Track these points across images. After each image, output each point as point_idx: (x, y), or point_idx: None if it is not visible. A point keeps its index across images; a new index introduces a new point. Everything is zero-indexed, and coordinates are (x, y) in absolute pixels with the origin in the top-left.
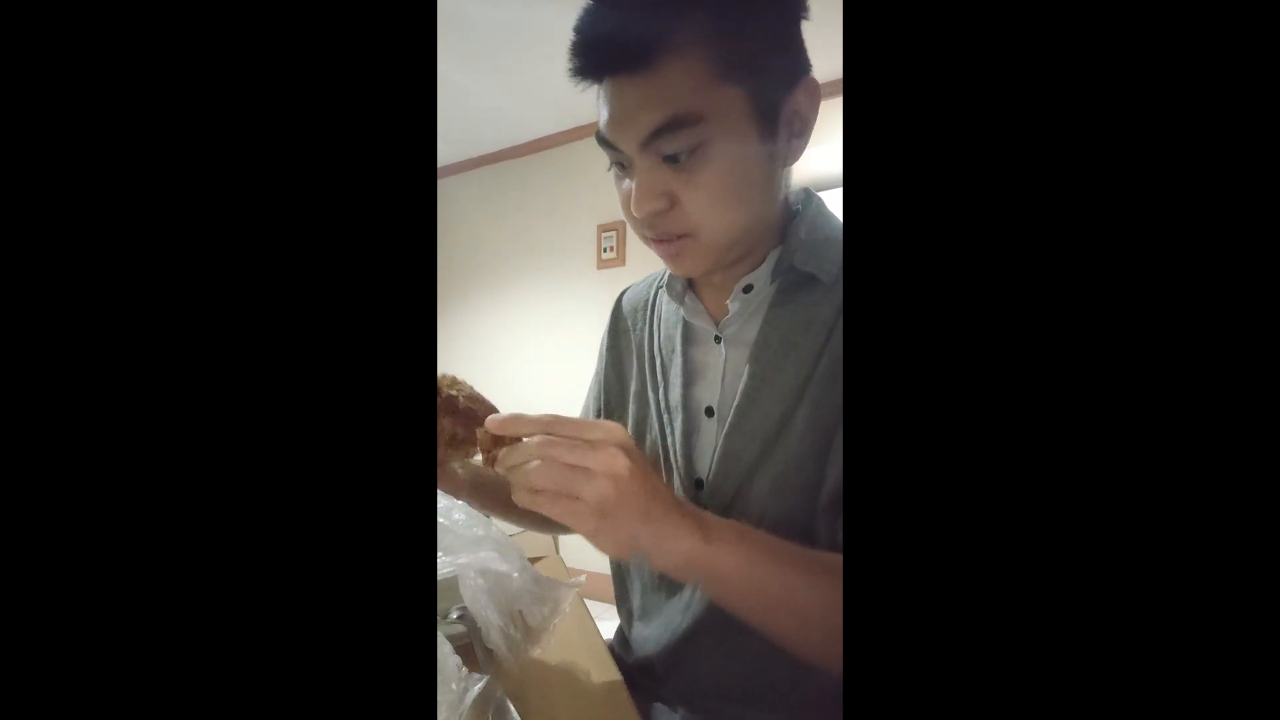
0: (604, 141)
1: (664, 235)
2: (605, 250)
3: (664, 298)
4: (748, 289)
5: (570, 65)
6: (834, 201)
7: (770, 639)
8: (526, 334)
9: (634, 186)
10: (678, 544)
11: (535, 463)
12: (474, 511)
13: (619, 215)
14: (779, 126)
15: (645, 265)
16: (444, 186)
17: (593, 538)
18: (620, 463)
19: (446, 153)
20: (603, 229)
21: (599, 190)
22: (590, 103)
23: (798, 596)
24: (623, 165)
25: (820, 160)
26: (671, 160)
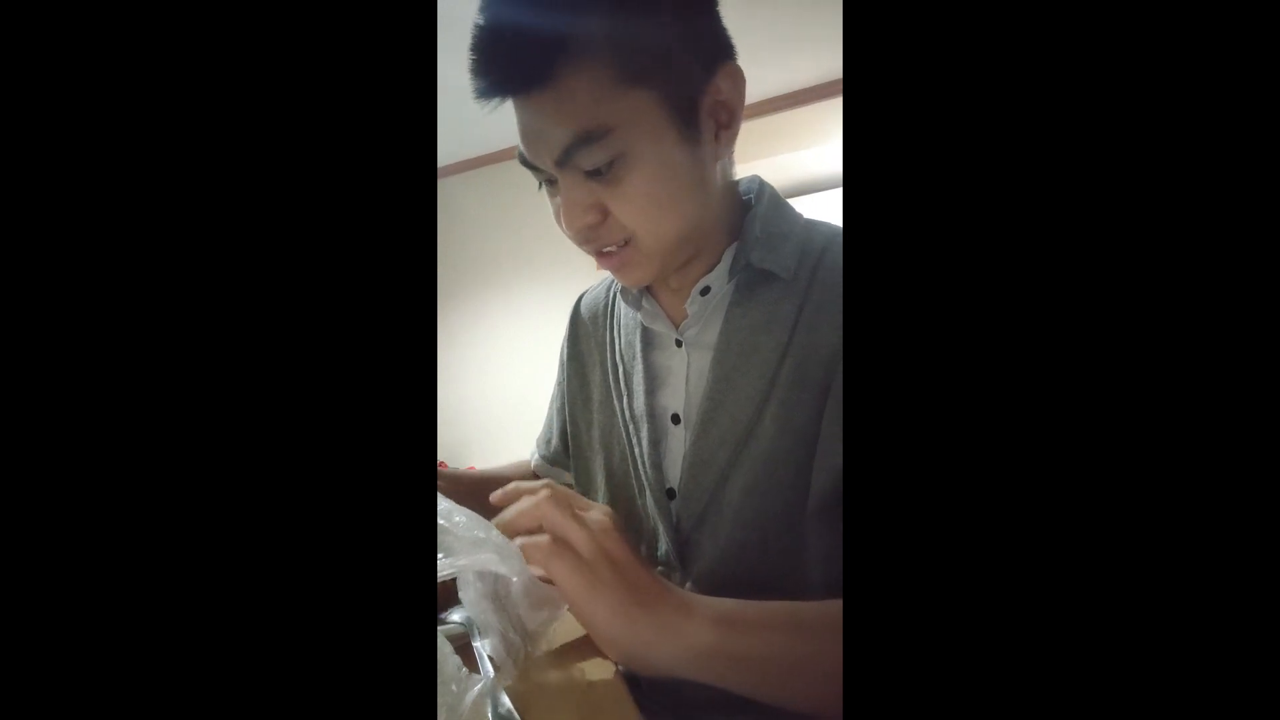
0: (524, 161)
1: (603, 248)
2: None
3: (621, 303)
4: (705, 291)
5: (472, 87)
6: (834, 201)
7: (796, 710)
8: (526, 334)
9: (562, 204)
10: (690, 635)
11: (529, 501)
12: (475, 515)
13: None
14: (700, 122)
15: None
16: (444, 186)
17: (585, 605)
18: (608, 525)
19: (446, 153)
20: None
21: None
22: None
23: (829, 659)
24: (551, 182)
25: (820, 160)
26: (593, 174)
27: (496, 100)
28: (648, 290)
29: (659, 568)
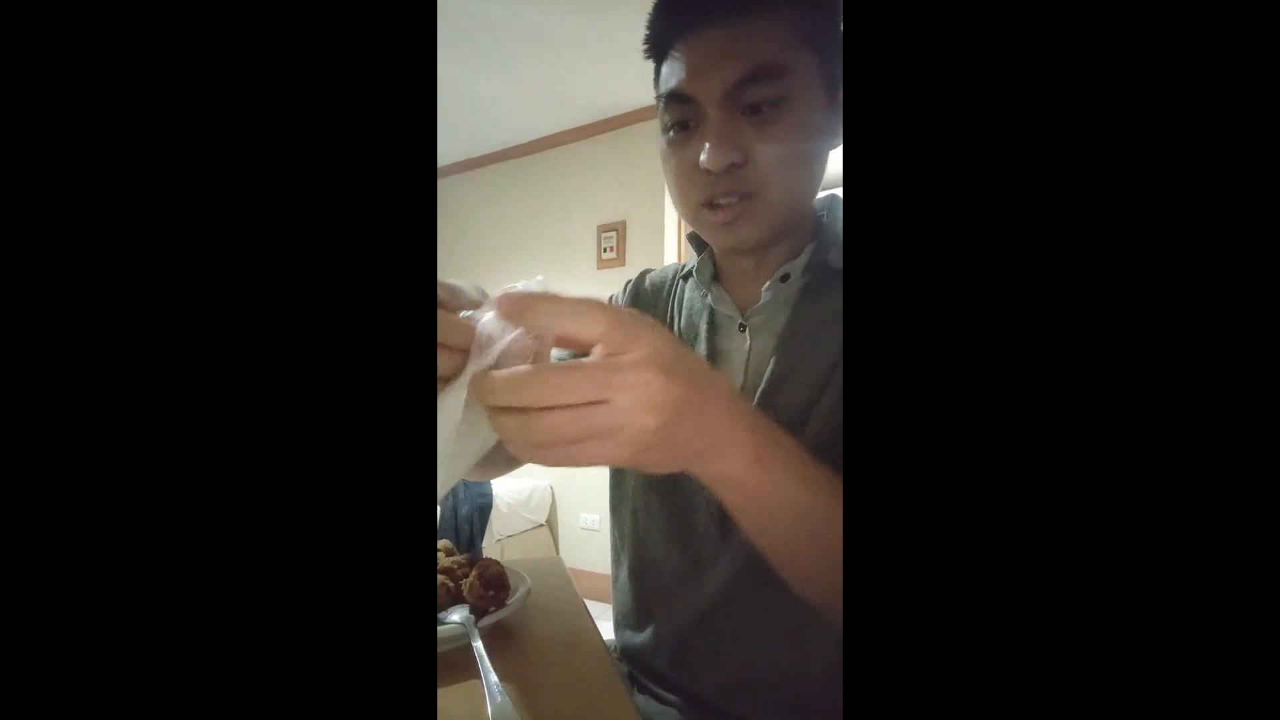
0: (678, 98)
1: (728, 194)
2: (605, 250)
3: (685, 287)
4: (785, 278)
5: (651, 28)
6: None
7: (783, 571)
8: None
9: (710, 139)
10: (723, 459)
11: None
12: None
13: (619, 215)
14: (837, 105)
15: (645, 265)
16: (444, 186)
17: (636, 464)
18: (654, 389)
19: (447, 153)
20: (603, 229)
21: (599, 190)
22: (590, 103)
23: (821, 529)
24: (686, 126)
25: None
26: (751, 112)
27: (674, 37)
28: (717, 276)
29: (692, 537)
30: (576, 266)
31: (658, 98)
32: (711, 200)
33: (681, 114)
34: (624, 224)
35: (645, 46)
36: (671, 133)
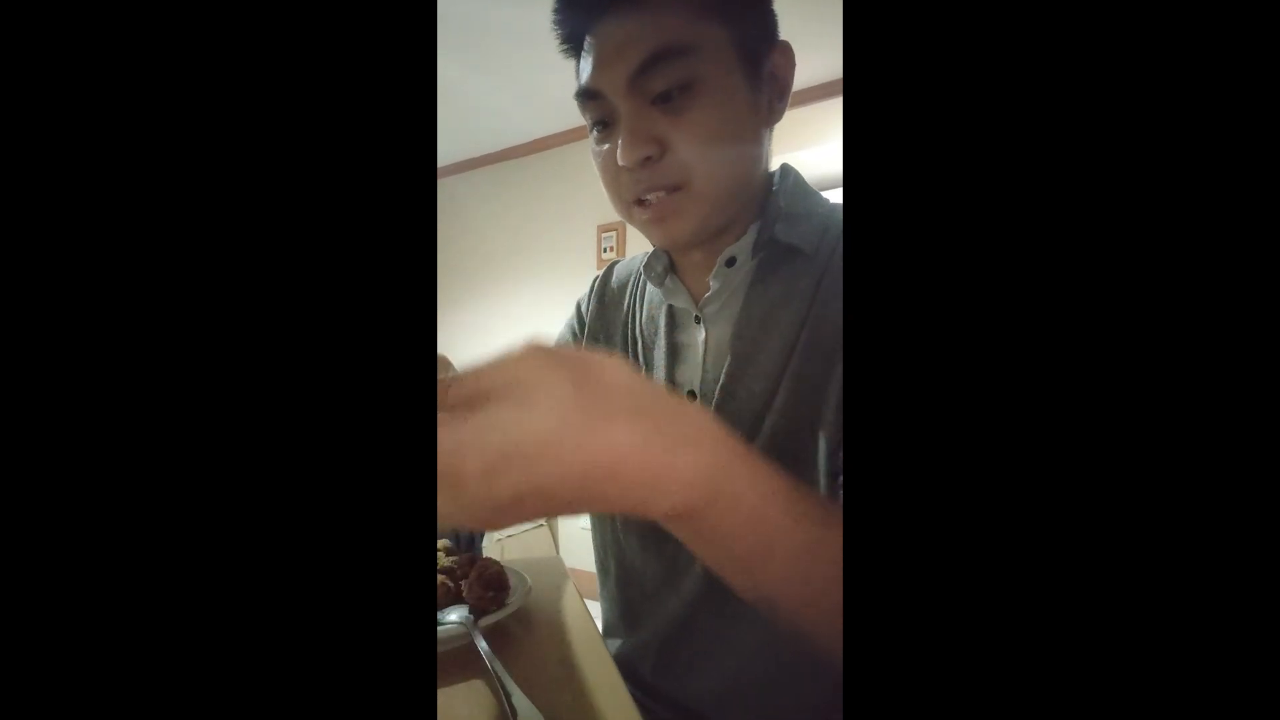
0: (587, 94)
1: (652, 189)
2: (605, 250)
3: (647, 281)
4: (730, 262)
5: (559, 25)
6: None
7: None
8: (526, 334)
9: (622, 134)
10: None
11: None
12: None
13: (619, 215)
14: (762, 79)
15: None
16: (444, 186)
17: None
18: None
19: (446, 153)
20: (603, 229)
21: (599, 190)
22: None
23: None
24: (605, 124)
25: (820, 160)
26: (662, 100)
27: (580, 32)
28: (671, 268)
29: (668, 543)
30: (576, 266)
31: (575, 96)
32: (639, 197)
33: (597, 111)
34: (624, 224)
35: (562, 46)
36: (595, 131)
